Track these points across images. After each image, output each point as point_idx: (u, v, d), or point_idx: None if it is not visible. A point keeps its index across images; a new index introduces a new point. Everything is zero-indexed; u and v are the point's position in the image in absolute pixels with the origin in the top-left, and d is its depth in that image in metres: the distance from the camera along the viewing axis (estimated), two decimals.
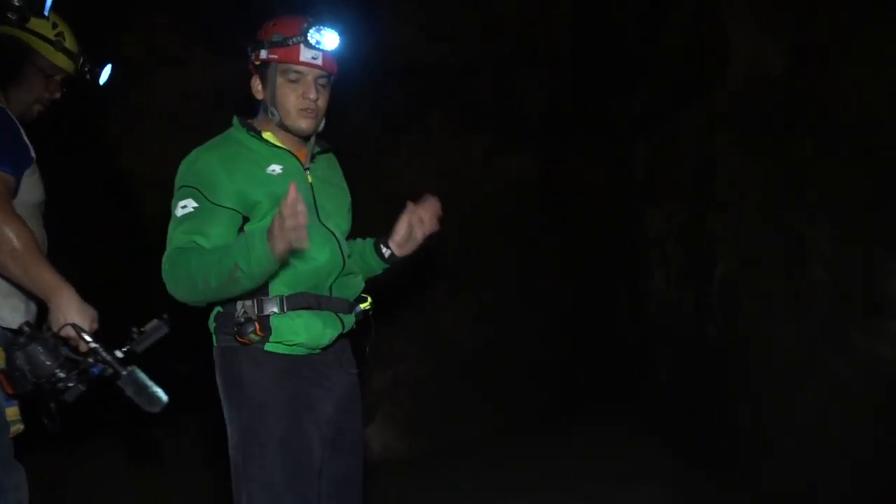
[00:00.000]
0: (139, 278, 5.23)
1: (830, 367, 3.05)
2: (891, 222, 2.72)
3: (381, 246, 2.16)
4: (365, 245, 2.18)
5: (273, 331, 1.87)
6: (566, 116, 4.82)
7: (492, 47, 4.71)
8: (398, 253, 2.16)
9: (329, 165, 2.13)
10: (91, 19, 4.32)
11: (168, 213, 1.90)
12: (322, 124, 2.00)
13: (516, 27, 4.77)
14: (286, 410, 1.88)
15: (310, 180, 2.00)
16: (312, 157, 2.05)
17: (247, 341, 1.84)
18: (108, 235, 4.69)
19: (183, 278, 1.78)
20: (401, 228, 2.13)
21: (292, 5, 2.16)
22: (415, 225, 2.13)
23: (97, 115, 4.52)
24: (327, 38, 1.89)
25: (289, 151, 1.98)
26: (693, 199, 4.05)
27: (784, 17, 3.16)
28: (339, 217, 2.06)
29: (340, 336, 2.00)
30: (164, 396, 1.80)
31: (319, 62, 1.91)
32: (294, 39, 1.88)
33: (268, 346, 1.89)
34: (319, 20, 1.93)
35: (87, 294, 1.90)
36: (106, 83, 2.30)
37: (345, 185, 2.18)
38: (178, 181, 1.89)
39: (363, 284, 2.13)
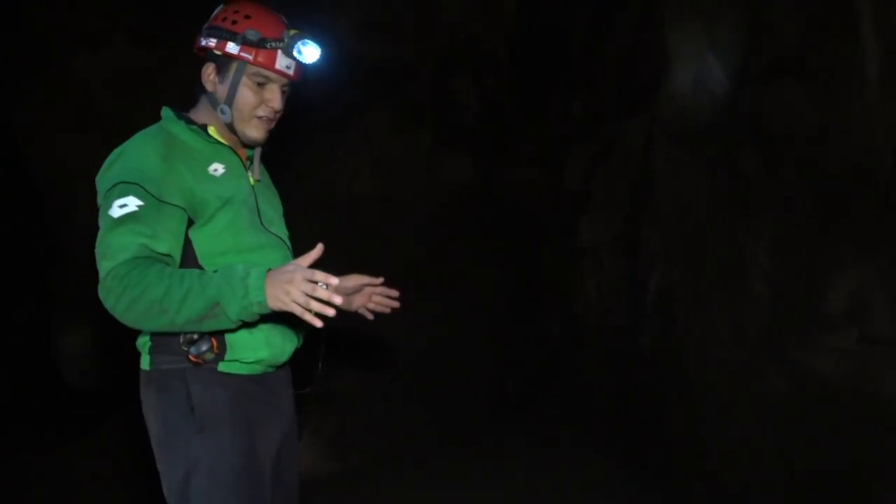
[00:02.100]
0: (46, 282, 4.89)
1: (767, 379, 3.08)
2: (831, 237, 2.75)
3: None
4: None
5: (229, 348, 1.66)
6: (506, 120, 4.77)
7: (432, 47, 4.61)
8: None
9: (261, 168, 1.93)
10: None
11: (88, 210, 1.67)
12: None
13: (457, 27, 4.69)
14: (244, 439, 1.67)
15: (252, 183, 1.81)
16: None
17: (200, 361, 1.62)
18: (13, 233, 4.33)
19: (140, 301, 1.49)
20: (351, 280, 1.84)
21: None
22: (360, 294, 1.91)
23: (6, 100, 4.16)
24: (308, 52, 1.72)
25: (231, 149, 1.78)
26: (630, 208, 4.05)
27: (729, 31, 3.18)
28: (280, 223, 1.89)
29: (295, 351, 1.82)
30: None
31: (292, 72, 1.74)
32: (273, 44, 1.69)
33: (222, 366, 1.67)
34: (298, 25, 1.76)
35: None
36: None
37: (275, 189, 2.00)
38: (108, 178, 1.61)
39: None
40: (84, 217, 1.74)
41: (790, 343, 2.95)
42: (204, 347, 1.61)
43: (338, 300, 1.47)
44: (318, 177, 4.17)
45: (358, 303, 1.92)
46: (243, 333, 1.66)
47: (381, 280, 1.89)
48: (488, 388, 4.64)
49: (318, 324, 1.51)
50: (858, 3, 2.49)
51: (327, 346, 1.85)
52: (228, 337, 1.65)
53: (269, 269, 1.52)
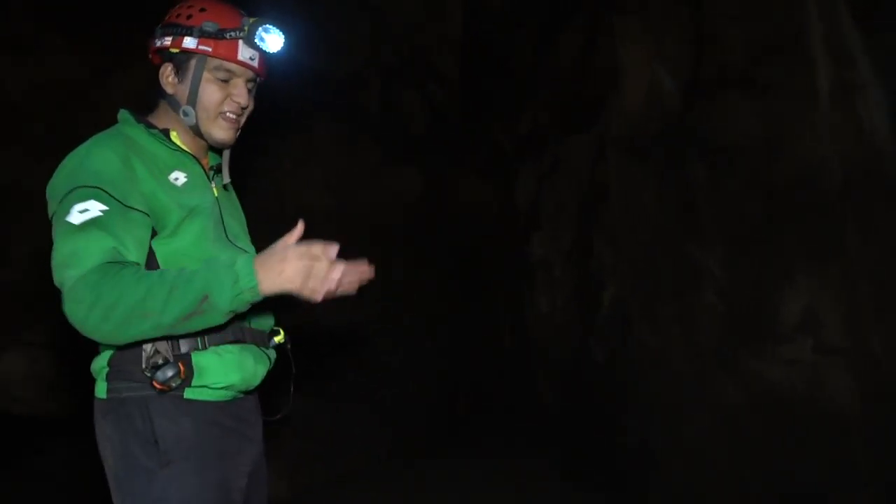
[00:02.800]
0: None
1: (719, 389, 3.10)
2: (782, 248, 2.79)
3: None
4: None
5: (196, 373, 1.50)
6: (453, 134, 4.74)
7: (379, 59, 4.55)
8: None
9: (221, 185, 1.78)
10: None
11: (26, 225, 1.51)
12: (238, 133, 1.68)
13: (405, 40, 4.64)
14: (214, 473, 1.52)
15: (216, 194, 1.67)
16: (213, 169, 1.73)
17: (165, 388, 1.47)
18: None
19: (118, 307, 1.34)
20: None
21: (164, 2, 1.81)
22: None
23: None
24: (272, 40, 1.60)
25: (194, 158, 1.64)
26: (581, 222, 4.06)
27: (678, 44, 3.21)
28: (245, 236, 1.75)
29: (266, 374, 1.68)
30: None
31: (256, 64, 1.61)
32: (233, 33, 1.57)
33: (189, 393, 1.51)
34: (258, 13, 1.63)
35: None
36: None
37: (238, 201, 1.86)
38: (62, 183, 1.46)
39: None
40: (12, 235, 1.58)
41: (743, 353, 2.98)
42: (170, 373, 1.46)
43: (340, 267, 1.40)
44: (263, 189, 4.04)
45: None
46: (212, 357, 1.52)
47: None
48: (441, 402, 4.57)
49: (316, 298, 1.41)
50: (807, 17, 2.53)
51: (296, 366, 1.73)
52: (197, 361, 1.51)
53: (255, 255, 1.43)
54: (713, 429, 3.15)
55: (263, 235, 1.74)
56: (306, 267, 1.39)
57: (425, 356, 4.54)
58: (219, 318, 1.42)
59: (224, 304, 1.40)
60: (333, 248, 1.42)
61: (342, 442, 4.10)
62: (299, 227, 1.44)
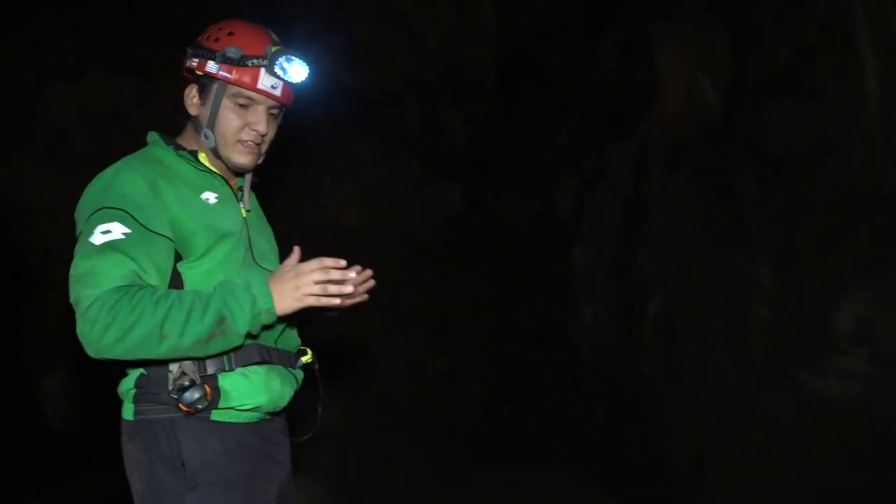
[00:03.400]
0: (19, 323, 4.73)
1: (772, 405, 2.99)
2: (835, 257, 2.69)
3: None
4: None
5: (223, 395, 1.50)
6: (492, 148, 4.71)
7: (417, 76, 4.56)
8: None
9: (253, 199, 1.80)
10: None
11: (61, 245, 1.53)
12: (262, 158, 1.69)
13: (441, 56, 4.64)
14: (242, 496, 1.51)
15: (244, 214, 1.67)
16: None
17: (192, 410, 1.46)
18: None
19: (136, 329, 1.36)
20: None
21: (205, 23, 1.82)
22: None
23: None
24: (295, 70, 1.59)
25: (223, 178, 1.65)
26: (624, 233, 3.99)
27: (720, 50, 3.14)
28: (274, 258, 1.74)
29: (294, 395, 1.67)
30: None
31: (278, 92, 1.60)
32: (255, 61, 1.56)
33: (216, 415, 1.51)
34: (285, 41, 1.63)
35: None
36: None
37: (268, 222, 1.87)
38: (91, 203, 1.47)
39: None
40: (60, 256, 1.60)
41: (795, 367, 2.87)
42: (196, 395, 1.45)
43: (353, 275, 1.46)
44: (303, 208, 4.07)
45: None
46: (239, 378, 1.52)
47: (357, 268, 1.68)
48: (485, 419, 4.52)
49: (337, 302, 1.48)
50: (854, 18, 2.45)
51: (325, 385, 1.72)
52: (223, 382, 1.50)
53: (269, 276, 1.48)
54: (764, 446, 3.04)
55: (305, 253, 1.74)
56: (321, 278, 1.44)
57: (468, 371, 4.50)
58: (236, 341, 1.45)
59: (242, 327, 1.43)
60: (342, 261, 1.46)
61: (382, 461, 4.07)
62: (296, 251, 1.49)
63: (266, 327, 1.52)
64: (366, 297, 1.67)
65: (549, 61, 4.55)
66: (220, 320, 1.40)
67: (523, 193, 4.71)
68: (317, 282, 1.44)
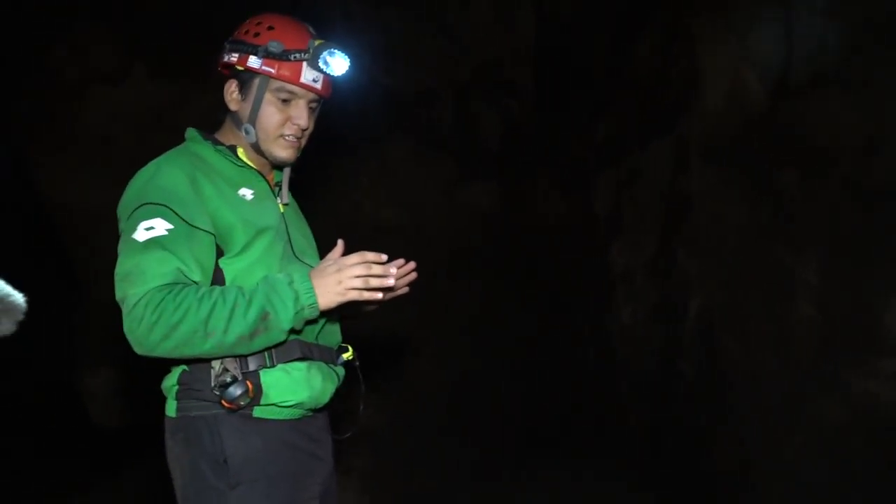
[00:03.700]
0: (65, 321, 4.84)
1: (820, 408, 2.91)
2: (884, 254, 2.60)
3: None
4: None
5: (265, 391, 1.50)
6: (529, 146, 4.67)
7: (452, 72, 4.54)
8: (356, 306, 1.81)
9: (290, 195, 1.79)
10: (18, 30, 3.99)
11: (109, 246, 1.54)
12: (300, 152, 1.68)
13: (477, 54, 4.62)
14: (284, 494, 1.51)
15: (282, 210, 1.67)
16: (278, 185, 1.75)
17: (234, 406, 1.46)
18: (31, 272, 4.26)
19: (181, 327, 1.37)
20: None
21: (239, 21, 1.82)
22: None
23: (20, 137, 4.13)
24: (337, 63, 1.58)
25: (260, 174, 1.65)
26: (664, 231, 3.92)
27: (764, 43, 3.06)
28: (312, 252, 1.74)
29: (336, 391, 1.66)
30: (17, 297, 1.33)
31: (319, 86, 1.59)
32: (297, 55, 1.55)
33: (258, 411, 1.49)
34: (325, 35, 1.63)
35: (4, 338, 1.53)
36: None
37: (304, 217, 1.86)
38: (133, 199, 1.47)
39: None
40: (105, 256, 1.62)
41: (844, 368, 2.79)
42: (238, 391, 1.45)
43: (394, 270, 1.45)
44: (339, 206, 4.08)
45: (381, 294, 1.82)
46: (280, 374, 1.51)
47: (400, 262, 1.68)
48: (522, 420, 4.48)
49: (379, 296, 1.49)
50: None
51: (365, 381, 1.71)
52: (265, 379, 1.50)
53: (310, 271, 1.48)
54: (812, 450, 2.96)
55: (345, 253, 1.73)
56: (363, 272, 1.43)
57: (506, 373, 4.47)
58: (280, 336, 1.45)
59: (285, 323, 1.43)
60: (383, 255, 1.46)
61: (419, 461, 4.07)
62: (340, 244, 1.50)
63: (308, 322, 1.51)
64: (407, 289, 1.69)
65: (586, 57, 4.50)
66: (264, 316, 1.41)
67: (560, 192, 4.66)
68: (358, 276, 1.43)
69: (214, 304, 1.39)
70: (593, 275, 4.48)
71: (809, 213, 2.86)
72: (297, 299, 1.43)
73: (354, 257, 1.45)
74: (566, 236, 4.61)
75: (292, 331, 1.47)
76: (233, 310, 1.40)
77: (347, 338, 1.75)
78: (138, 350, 1.41)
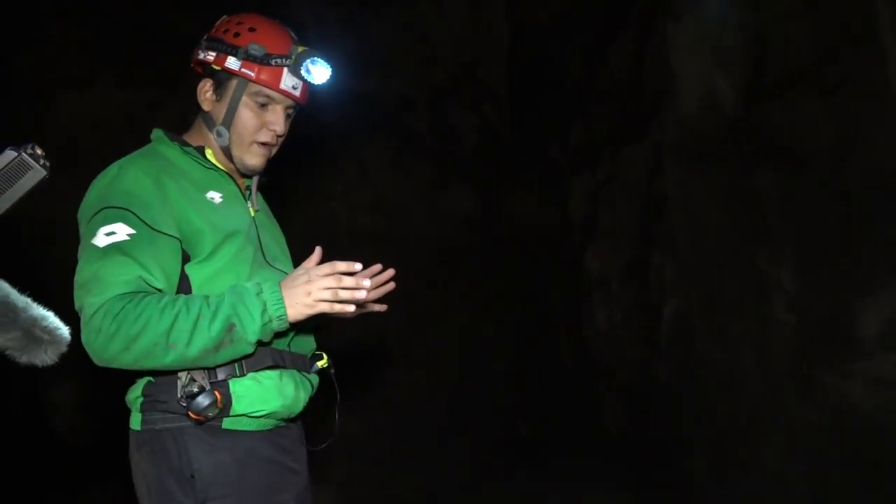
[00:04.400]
0: None
1: (794, 410, 2.92)
2: (859, 257, 2.62)
3: None
4: None
5: (234, 400, 1.42)
6: (504, 151, 4.66)
7: (428, 78, 4.52)
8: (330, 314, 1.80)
9: (261, 200, 1.72)
10: None
11: (72, 257, 1.48)
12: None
13: (453, 59, 4.60)
14: None
15: (252, 214, 1.60)
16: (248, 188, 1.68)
17: (202, 418, 1.39)
18: None
19: (141, 339, 1.30)
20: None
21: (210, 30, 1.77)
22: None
23: None
24: (318, 71, 1.52)
25: (230, 176, 1.59)
26: (639, 235, 3.93)
27: (737, 46, 3.08)
28: (285, 258, 1.68)
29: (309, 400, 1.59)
30: (64, 331, 1.24)
31: (298, 93, 1.54)
32: (278, 60, 1.50)
33: (227, 423, 1.43)
34: (307, 42, 1.57)
35: None
36: None
37: (276, 222, 1.79)
38: (94, 202, 1.41)
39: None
40: (69, 265, 1.56)
41: (821, 371, 2.80)
42: (206, 402, 1.37)
43: (367, 283, 1.37)
44: (316, 213, 4.03)
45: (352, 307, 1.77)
46: (251, 383, 1.44)
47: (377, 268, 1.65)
48: (500, 426, 4.45)
49: (350, 310, 1.41)
50: (876, 7, 2.38)
51: (341, 391, 1.65)
52: (234, 388, 1.43)
53: (280, 281, 1.39)
54: (789, 452, 2.96)
55: (321, 259, 1.68)
56: (333, 284, 1.35)
57: (482, 375, 4.44)
58: (246, 349, 1.37)
59: (251, 335, 1.35)
60: (357, 264, 1.38)
61: (396, 470, 4.02)
62: (317, 252, 1.42)
63: (278, 335, 1.45)
64: (384, 307, 1.64)
65: (561, 62, 4.50)
66: (229, 328, 1.33)
67: (536, 196, 4.65)
68: (328, 287, 1.36)
69: (177, 315, 1.32)
70: (570, 279, 4.47)
71: (785, 215, 2.87)
72: (264, 311, 1.35)
73: (325, 268, 1.37)
74: (542, 240, 4.61)
75: (260, 343, 1.40)
76: (196, 321, 1.32)
77: (323, 345, 1.70)
78: (97, 362, 1.35)
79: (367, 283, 1.38)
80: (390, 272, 1.62)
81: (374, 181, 4.30)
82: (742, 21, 3.04)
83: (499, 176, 4.63)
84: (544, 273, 4.60)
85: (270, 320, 1.35)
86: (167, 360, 1.33)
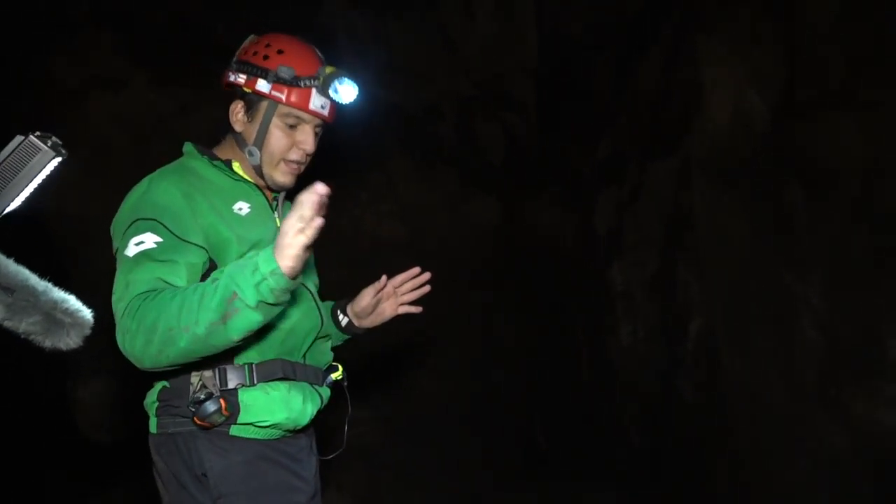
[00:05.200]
0: None
1: (821, 432, 2.86)
2: (891, 277, 2.57)
3: (339, 312, 1.83)
4: (325, 307, 1.81)
5: (242, 409, 1.47)
6: (531, 162, 4.65)
7: (455, 88, 4.53)
8: (357, 323, 1.82)
9: (288, 209, 1.77)
10: (18, 37, 3.98)
11: (103, 256, 1.52)
12: None
13: (480, 70, 4.61)
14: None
15: (278, 224, 1.64)
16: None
17: (207, 424, 1.43)
18: None
19: (157, 328, 1.31)
20: (363, 299, 1.79)
21: (242, 34, 1.80)
22: (383, 299, 1.80)
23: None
24: (346, 91, 1.57)
25: (257, 188, 1.64)
26: (665, 250, 3.88)
27: (769, 61, 3.04)
28: (310, 270, 1.72)
29: (318, 413, 1.62)
30: (85, 312, 1.21)
31: (326, 112, 1.60)
32: (307, 82, 1.55)
33: (234, 430, 1.47)
34: (330, 54, 1.63)
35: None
36: None
37: None
38: (126, 216, 1.47)
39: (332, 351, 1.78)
40: (97, 265, 1.60)
41: (848, 393, 2.74)
42: (212, 409, 1.41)
43: (322, 189, 1.25)
44: (341, 223, 4.05)
45: (390, 310, 1.82)
46: (258, 394, 1.48)
47: (389, 279, 1.78)
48: (518, 439, 4.43)
49: (318, 222, 1.26)
50: None
51: (353, 403, 1.68)
52: (243, 397, 1.47)
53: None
54: (812, 475, 2.91)
55: (342, 268, 1.72)
56: (296, 218, 1.25)
57: (503, 392, 4.42)
58: (253, 316, 1.31)
59: (251, 298, 1.29)
60: (318, 188, 1.26)
61: (412, 480, 4.01)
62: (317, 187, 1.29)
63: (293, 344, 1.48)
64: (419, 308, 1.79)
65: (589, 74, 4.48)
66: (231, 297, 1.29)
67: (561, 209, 4.63)
68: (294, 222, 1.26)
69: (185, 297, 1.33)
70: (593, 293, 4.44)
71: (814, 233, 2.83)
72: (255, 269, 1.29)
73: (292, 212, 1.28)
74: (566, 253, 4.58)
75: (270, 305, 1.32)
76: (201, 298, 1.31)
77: (342, 353, 1.72)
78: (136, 364, 1.38)
79: (321, 188, 1.26)
80: (427, 275, 1.74)
81: (400, 190, 4.31)
82: (775, 35, 3.01)
83: (524, 187, 4.63)
84: (567, 285, 4.57)
85: (264, 277, 1.28)
86: (183, 344, 1.32)
